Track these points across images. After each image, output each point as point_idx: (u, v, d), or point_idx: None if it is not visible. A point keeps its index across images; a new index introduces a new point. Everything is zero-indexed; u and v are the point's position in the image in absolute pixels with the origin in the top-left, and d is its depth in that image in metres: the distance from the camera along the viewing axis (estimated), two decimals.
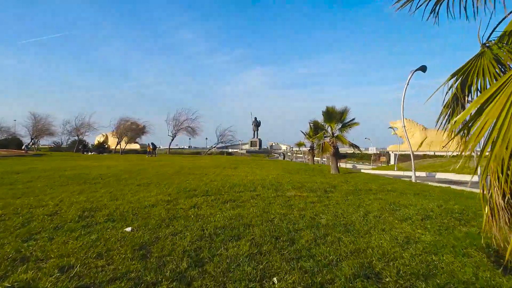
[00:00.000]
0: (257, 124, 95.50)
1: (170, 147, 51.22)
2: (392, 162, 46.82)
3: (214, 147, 51.67)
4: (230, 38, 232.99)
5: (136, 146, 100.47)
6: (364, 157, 75.86)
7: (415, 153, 73.05)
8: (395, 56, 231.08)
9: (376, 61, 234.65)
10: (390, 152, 56.34)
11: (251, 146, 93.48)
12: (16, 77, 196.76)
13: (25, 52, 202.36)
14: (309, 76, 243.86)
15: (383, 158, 52.29)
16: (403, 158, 77.06)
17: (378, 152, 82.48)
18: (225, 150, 77.01)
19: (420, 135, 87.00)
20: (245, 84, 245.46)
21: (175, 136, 45.71)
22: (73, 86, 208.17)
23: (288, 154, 58.72)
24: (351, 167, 69.07)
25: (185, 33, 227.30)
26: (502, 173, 2.42)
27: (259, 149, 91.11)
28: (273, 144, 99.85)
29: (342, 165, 70.69)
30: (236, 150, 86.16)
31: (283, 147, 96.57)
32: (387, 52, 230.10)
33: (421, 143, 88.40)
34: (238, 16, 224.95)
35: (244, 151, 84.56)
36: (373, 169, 42.38)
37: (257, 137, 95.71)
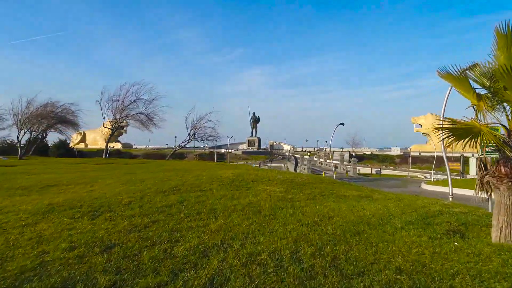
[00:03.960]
0: (255, 120, 77.48)
1: (108, 148, 27.84)
2: (473, 171, 28.02)
3: (182, 146, 29.76)
4: (230, 38, 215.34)
5: (117, 146, 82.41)
6: (387, 160, 57.68)
7: (447, 154, 54.11)
8: (394, 57, 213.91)
9: (376, 61, 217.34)
10: (467, 154, 37.20)
11: (248, 146, 75.34)
12: (14, 77, 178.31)
13: (22, 52, 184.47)
14: (310, 76, 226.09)
15: (454, 165, 32.96)
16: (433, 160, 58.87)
17: (402, 151, 64.05)
18: (216, 150, 58.63)
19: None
20: (245, 84, 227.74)
21: (116, 129, 25.69)
22: (71, 86, 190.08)
23: (297, 156, 40.38)
24: (374, 172, 51.09)
25: (185, 32, 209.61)
26: None
27: (258, 149, 73.01)
28: (274, 143, 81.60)
29: (363, 170, 52.69)
30: (230, 150, 67.98)
31: (286, 147, 78.20)
32: (387, 52, 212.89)
33: (451, 142, 70.49)
34: (238, 16, 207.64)
35: (239, 152, 66.41)
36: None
37: (255, 135, 77.58)
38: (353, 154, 52.18)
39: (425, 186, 22.34)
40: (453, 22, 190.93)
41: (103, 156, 22.88)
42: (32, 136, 25.78)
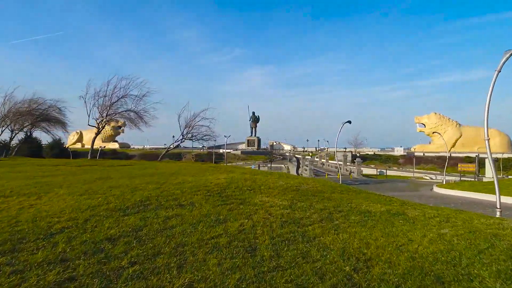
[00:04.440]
0: (255, 119, 75.56)
1: (94, 148, 25.94)
2: (489, 173, 26.09)
3: (175, 147, 26.29)
4: (230, 38, 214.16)
5: (114, 145, 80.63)
6: (390, 160, 55.87)
7: (452, 154, 52.29)
8: (394, 57, 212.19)
9: (376, 62, 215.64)
10: (481, 155, 35.20)
11: (248, 146, 73.48)
12: (14, 77, 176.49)
13: (22, 52, 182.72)
14: (309, 76, 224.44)
15: (469, 166, 30.17)
16: (439, 161, 57.07)
17: (405, 151, 62.11)
18: (215, 150, 57.00)
19: (453, 133, 67.07)
20: (245, 84, 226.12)
21: (103, 128, 22.74)
22: (72, 86, 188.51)
23: (298, 156, 38.36)
24: (378, 173, 49.26)
25: (185, 32, 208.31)
26: None
27: (257, 149, 71.18)
28: (274, 143, 79.70)
29: (366, 170, 50.85)
30: (229, 150, 66.18)
31: (286, 147, 76.45)
32: (387, 52, 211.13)
33: (455, 142, 68.59)
34: (238, 17, 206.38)
35: (239, 152, 64.61)
36: (460, 186, 21.89)
37: (255, 135, 75.67)
38: (357, 155, 50.34)
39: (437, 190, 20.55)
40: (454, 22, 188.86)
41: (88, 157, 20.88)
42: (14, 134, 23.82)
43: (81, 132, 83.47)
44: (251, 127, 75.94)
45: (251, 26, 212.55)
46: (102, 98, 20.76)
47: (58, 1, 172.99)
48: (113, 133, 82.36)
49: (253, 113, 75.67)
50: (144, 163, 16.02)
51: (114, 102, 20.79)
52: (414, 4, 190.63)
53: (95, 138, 22.14)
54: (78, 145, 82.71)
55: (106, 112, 20.86)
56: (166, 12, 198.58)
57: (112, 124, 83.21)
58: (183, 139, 23.99)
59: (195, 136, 23.93)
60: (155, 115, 23.64)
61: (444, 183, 22.91)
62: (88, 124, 20.73)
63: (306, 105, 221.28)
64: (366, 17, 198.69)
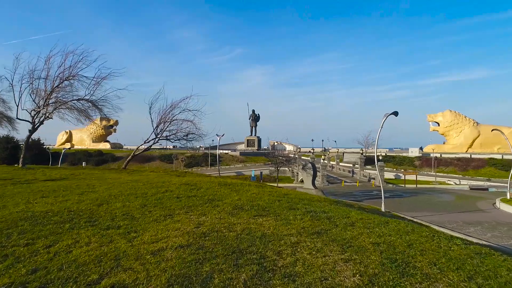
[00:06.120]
0: (255, 118, 69.84)
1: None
2: None
3: (146, 148, 19.05)
4: (230, 38, 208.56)
5: (105, 146, 74.79)
6: (405, 162, 50.18)
7: (473, 155, 45.89)
8: (395, 56, 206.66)
9: (376, 61, 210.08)
10: (496, 156, 29.48)
11: (247, 146, 67.81)
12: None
13: (21, 51, 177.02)
14: (309, 76, 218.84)
15: None
16: (459, 163, 51.44)
17: (420, 152, 56.28)
18: (211, 152, 51.31)
19: (470, 132, 61.34)
20: (245, 83, 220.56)
21: (40, 123, 15.16)
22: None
23: (309, 160, 32.57)
24: (393, 176, 43.60)
25: (184, 32, 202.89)
26: None
27: (257, 149, 65.54)
28: (276, 143, 74.01)
29: (386, 174, 45.07)
30: (227, 151, 60.53)
31: (288, 148, 70.72)
32: (387, 51, 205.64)
33: (472, 142, 62.84)
34: (238, 16, 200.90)
35: (237, 153, 58.92)
36: None
37: (255, 135, 69.96)
38: (380, 157, 44.60)
39: (507, 208, 14.90)
40: (455, 23, 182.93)
41: (20, 164, 14.45)
42: None
43: (70, 132, 77.71)
44: (250, 126, 70.29)
45: (251, 25, 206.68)
46: (38, 81, 14.11)
47: (56, 0, 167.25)
48: (104, 133, 76.60)
49: (253, 111, 70.02)
50: (88, 174, 10.42)
51: (56, 86, 14.17)
52: (417, 6, 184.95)
53: (29, 136, 15.81)
54: (67, 145, 76.65)
55: (43, 101, 14.26)
56: (165, 12, 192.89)
57: (104, 123, 77.46)
58: (157, 139, 17.68)
59: (174, 134, 17.44)
60: (118, 106, 16.40)
61: (509, 197, 17.26)
62: (17, 118, 14.70)
63: (307, 105, 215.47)
64: (366, 17, 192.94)
